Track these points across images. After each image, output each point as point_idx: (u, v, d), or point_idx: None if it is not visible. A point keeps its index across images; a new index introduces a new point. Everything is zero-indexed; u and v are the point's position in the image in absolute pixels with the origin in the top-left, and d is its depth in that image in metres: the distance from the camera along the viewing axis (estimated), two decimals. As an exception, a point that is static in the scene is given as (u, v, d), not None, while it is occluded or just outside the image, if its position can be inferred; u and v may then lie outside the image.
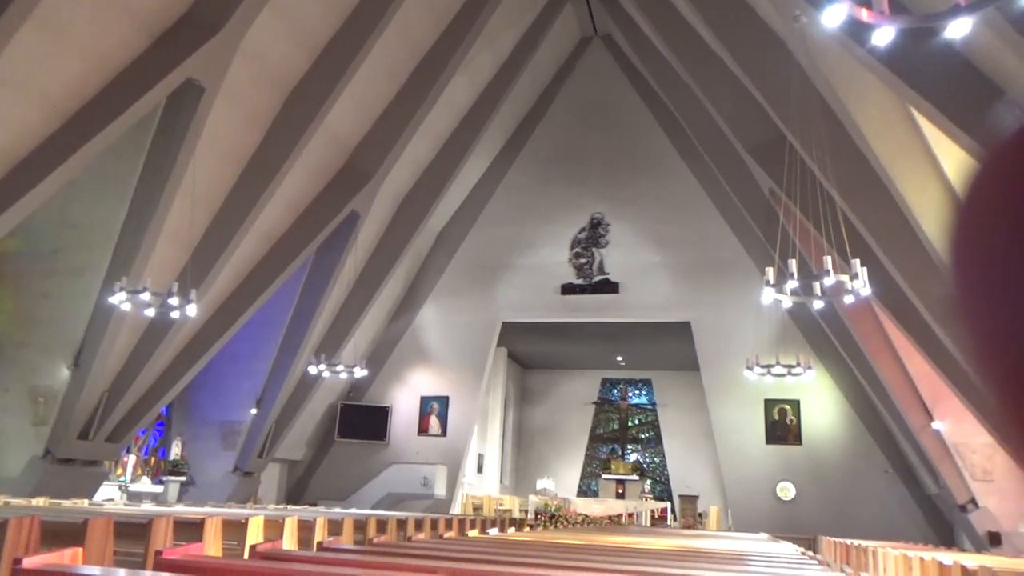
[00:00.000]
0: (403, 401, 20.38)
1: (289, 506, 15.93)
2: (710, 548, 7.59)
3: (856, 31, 6.56)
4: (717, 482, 20.21)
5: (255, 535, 6.61)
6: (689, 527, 18.66)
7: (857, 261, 8.63)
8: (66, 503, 10.37)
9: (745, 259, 18.17)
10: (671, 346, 20.50)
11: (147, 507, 11.08)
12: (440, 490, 18.89)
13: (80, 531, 4.88)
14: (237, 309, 14.65)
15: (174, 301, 10.72)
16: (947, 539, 15.83)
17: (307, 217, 15.08)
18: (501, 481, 23.66)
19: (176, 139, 11.30)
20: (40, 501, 10.06)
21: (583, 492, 24.10)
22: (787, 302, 9.53)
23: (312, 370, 15.51)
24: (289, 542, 7.04)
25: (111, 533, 5.24)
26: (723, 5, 11.57)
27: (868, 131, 9.22)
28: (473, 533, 10.26)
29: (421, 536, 7.86)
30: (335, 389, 19.72)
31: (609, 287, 19.33)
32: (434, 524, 10.19)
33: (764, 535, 13.98)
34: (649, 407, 25.41)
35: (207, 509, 11.03)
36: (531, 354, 24.59)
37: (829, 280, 8.44)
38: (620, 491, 21.22)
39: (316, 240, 15.12)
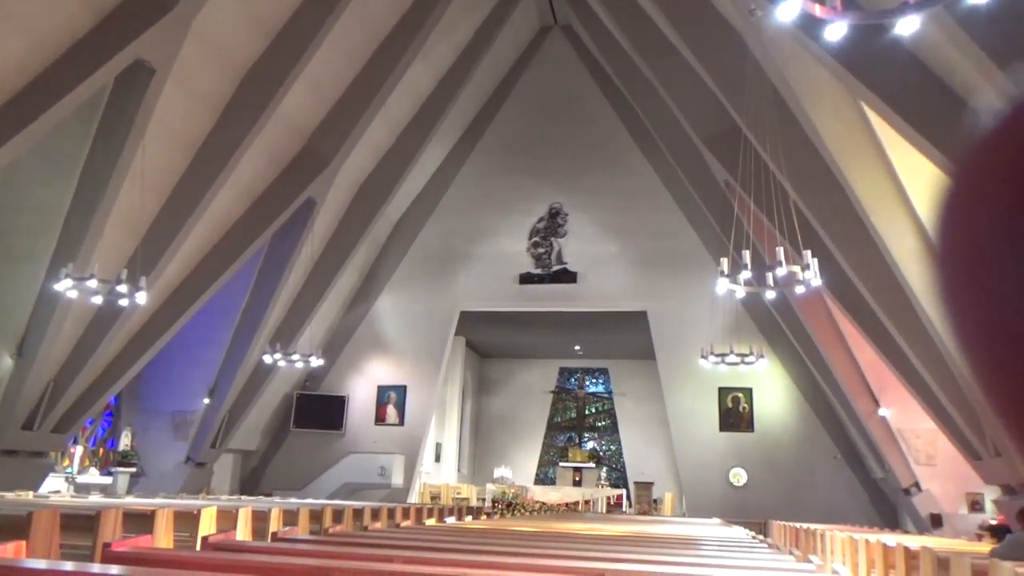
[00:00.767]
0: (360, 390, 20.24)
1: (243, 497, 15.72)
2: (664, 534, 7.73)
3: (809, 26, 6.67)
4: (672, 469, 20.56)
5: (207, 526, 6.52)
6: (644, 513, 18.94)
7: (808, 252, 8.81)
8: (9, 495, 10.07)
9: (701, 250, 18.44)
10: (628, 335, 20.72)
11: (95, 499, 10.83)
12: (397, 479, 18.85)
13: (24, 524, 4.75)
14: (189, 297, 14.35)
15: (123, 288, 10.44)
16: (892, 522, 16.37)
17: (262, 203, 14.81)
18: (459, 470, 23.70)
19: (125, 121, 10.96)
20: (-18, 494, 9.75)
21: (540, 480, 24.28)
22: (741, 292, 9.70)
23: (267, 359, 15.30)
24: (243, 533, 6.96)
25: (57, 526, 5.12)
26: (681, -3, 11.65)
27: (820, 124, 9.40)
28: (430, 522, 10.26)
29: (378, 525, 7.84)
30: (291, 378, 19.49)
31: (567, 277, 19.44)
32: (391, 513, 10.17)
33: (717, 520, 14.26)
34: (606, 395, 25.68)
35: (158, 500, 10.83)
36: (489, 343, 24.62)
37: (781, 271, 8.61)
38: (577, 479, 21.43)
39: (271, 227, 14.87)
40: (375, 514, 9.57)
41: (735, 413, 18.43)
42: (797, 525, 11.98)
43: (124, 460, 16.45)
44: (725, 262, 9.17)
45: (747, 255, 8.90)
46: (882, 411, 14.48)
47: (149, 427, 17.05)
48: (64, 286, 10.17)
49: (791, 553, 6.69)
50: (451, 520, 11.31)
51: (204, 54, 11.99)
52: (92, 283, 10.17)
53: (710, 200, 16.08)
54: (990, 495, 13.04)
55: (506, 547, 4.65)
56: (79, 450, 15.80)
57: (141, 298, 10.78)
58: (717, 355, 13.40)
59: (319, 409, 20.00)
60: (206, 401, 16.69)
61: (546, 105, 20.29)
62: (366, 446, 19.56)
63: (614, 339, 22.24)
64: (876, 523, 15.82)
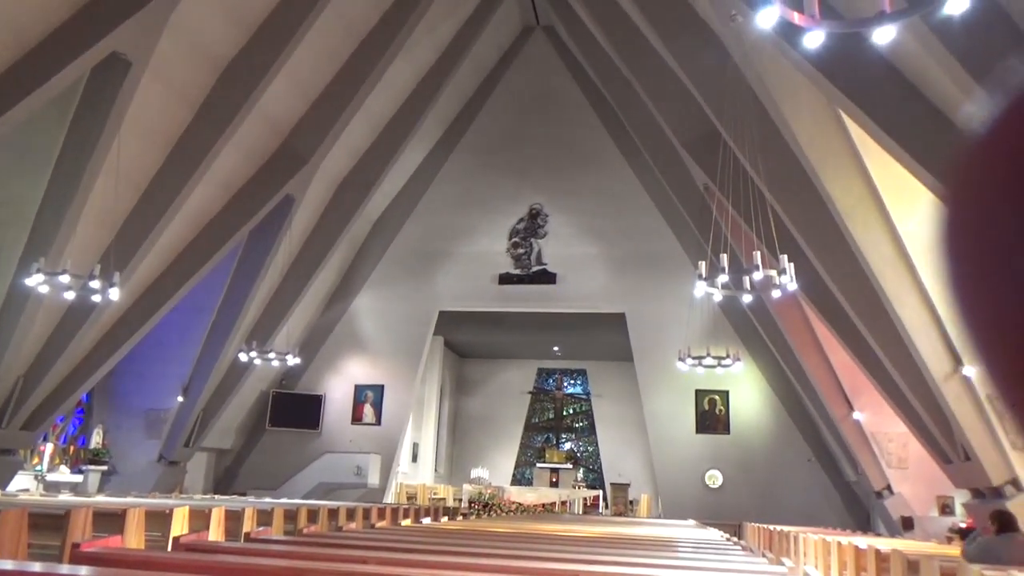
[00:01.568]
0: (337, 389, 20.12)
1: (217, 496, 15.55)
2: (640, 535, 7.76)
3: (788, 33, 6.73)
4: (648, 470, 20.65)
5: (179, 526, 6.44)
6: (620, 514, 19.01)
7: (785, 256, 8.90)
8: (-24, 494, 9.88)
9: (679, 253, 18.54)
10: (606, 337, 20.79)
11: (65, 497, 10.66)
12: (374, 479, 18.75)
13: (-10, 523, 4.66)
14: (164, 293, 14.17)
15: (96, 284, 10.29)
16: (864, 524, 16.56)
17: (240, 200, 14.66)
18: (436, 470, 23.63)
19: (100, 115, 10.78)
20: (-53, 492, 9.56)
21: (517, 480, 24.28)
22: (718, 295, 9.77)
23: (243, 357, 15.14)
24: (215, 533, 6.88)
25: (25, 525, 5.03)
26: (663, 1, 11.72)
27: (798, 130, 9.50)
28: (406, 522, 10.23)
29: (353, 526, 7.79)
30: (267, 377, 19.32)
31: (546, 277, 19.46)
32: (367, 513, 10.11)
33: (692, 522, 14.35)
34: (584, 397, 25.74)
35: (129, 499, 10.69)
36: (468, 343, 24.58)
37: (758, 274, 8.68)
38: (554, 479, 21.46)
39: (249, 224, 14.72)
40: (350, 514, 9.51)
41: (711, 415, 18.56)
42: (771, 527, 12.08)
43: (95, 458, 16.21)
44: (703, 265, 9.24)
45: (725, 258, 8.97)
46: (856, 415, 14.65)
47: (121, 425, 16.81)
48: (35, 281, 9.99)
49: (764, 555, 6.75)
50: (427, 521, 11.27)
51: (182, 48, 11.85)
52: (64, 278, 10.01)
53: (689, 203, 16.17)
54: (960, 498, 13.23)
55: (481, 548, 4.64)
56: (49, 448, 15.54)
57: (114, 294, 10.62)
58: (694, 358, 13.49)
59: (295, 408, 19.84)
60: (180, 399, 16.49)
61: (527, 106, 20.30)
62: (342, 445, 19.44)
63: (592, 340, 22.30)
64: (849, 525, 16.00)
